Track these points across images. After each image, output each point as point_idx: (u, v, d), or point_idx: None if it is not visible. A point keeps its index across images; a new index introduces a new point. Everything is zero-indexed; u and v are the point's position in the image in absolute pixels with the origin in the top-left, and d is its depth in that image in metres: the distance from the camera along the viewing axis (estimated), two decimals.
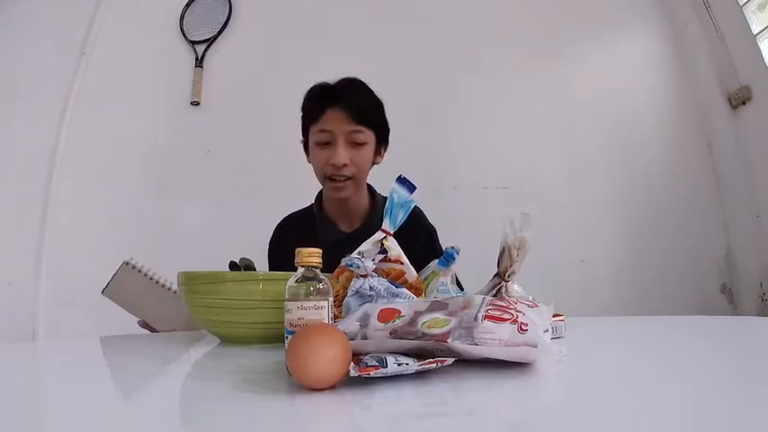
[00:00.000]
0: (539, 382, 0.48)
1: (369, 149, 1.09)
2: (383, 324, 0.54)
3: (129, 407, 0.43)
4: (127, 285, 0.96)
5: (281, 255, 1.12)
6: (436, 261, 0.83)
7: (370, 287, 0.67)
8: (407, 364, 0.45)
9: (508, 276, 0.73)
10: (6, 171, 1.92)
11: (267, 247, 1.21)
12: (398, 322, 0.54)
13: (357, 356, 0.47)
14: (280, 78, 2.02)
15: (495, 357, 0.49)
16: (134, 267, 0.97)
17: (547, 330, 0.54)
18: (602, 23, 2.11)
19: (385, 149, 1.15)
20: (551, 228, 1.81)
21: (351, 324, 0.56)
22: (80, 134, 1.98)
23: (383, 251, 0.74)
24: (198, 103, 2.02)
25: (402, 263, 0.76)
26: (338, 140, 1.04)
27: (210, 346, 0.75)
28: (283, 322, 0.58)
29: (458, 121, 2.02)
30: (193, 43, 2.08)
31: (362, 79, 1.11)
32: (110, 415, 0.40)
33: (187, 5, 2.15)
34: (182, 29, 2.11)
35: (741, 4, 1.86)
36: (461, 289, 0.87)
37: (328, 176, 1.07)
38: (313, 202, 1.20)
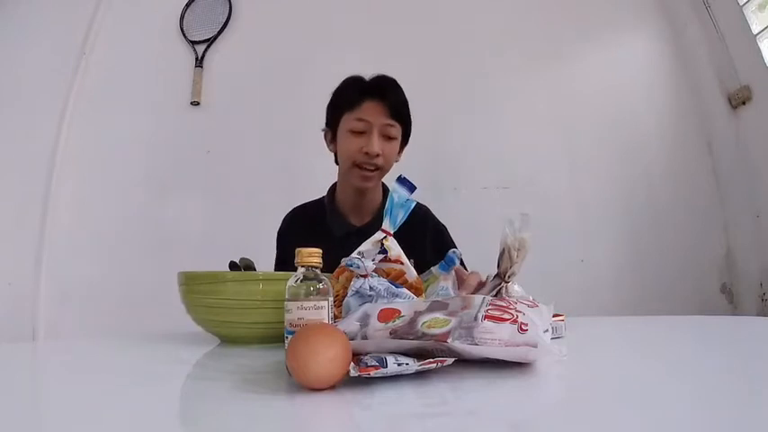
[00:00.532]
0: (539, 382, 0.48)
1: (397, 144, 1.12)
2: (383, 324, 0.54)
3: (129, 407, 0.43)
4: None
5: (290, 245, 1.12)
6: (437, 265, 0.83)
7: (370, 287, 0.67)
8: (407, 364, 0.45)
9: (508, 278, 0.73)
10: (6, 171, 1.92)
11: (270, 243, 1.20)
12: (398, 322, 0.54)
13: (357, 356, 0.47)
14: (280, 78, 2.02)
15: (495, 357, 0.49)
16: None
17: (547, 330, 0.54)
18: (602, 24, 2.11)
19: (404, 148, 1.18)
20: (551, 228, 1.81)
21: (351, 324, 0.56)
22: (80, 134, 1.98)
23: (383, 251, 0.74)
24: (198, 103, 2.03)
25: (402, 263, 0.76)
26: (373, 131, 1.07)
27: (210, 346, 0.75)
28: (283, 322, 0.58)
29: (458, 121, 2.02)
30: (193, 43, 2.08)
31: None
32: (110, 415, 0.40)
33: (187, 5, 2.15)
34: (182, 29, 2.11)
35: (741, 4, 1.86)
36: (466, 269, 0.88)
37: (357, 164, 1.08)
38: (323, 195, 1.21)
